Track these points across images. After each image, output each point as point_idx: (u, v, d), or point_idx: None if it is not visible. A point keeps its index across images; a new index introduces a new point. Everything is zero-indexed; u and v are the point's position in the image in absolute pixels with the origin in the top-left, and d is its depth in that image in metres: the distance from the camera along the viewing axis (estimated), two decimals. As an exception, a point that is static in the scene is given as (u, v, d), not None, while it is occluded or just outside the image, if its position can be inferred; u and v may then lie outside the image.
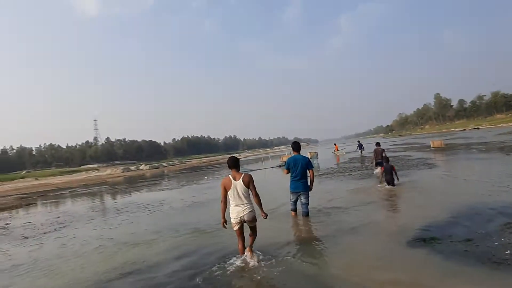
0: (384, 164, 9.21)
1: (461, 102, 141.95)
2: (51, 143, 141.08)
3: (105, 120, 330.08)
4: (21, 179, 59.41)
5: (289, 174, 6.48)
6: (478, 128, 79.68)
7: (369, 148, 28.33)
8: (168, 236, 6.47)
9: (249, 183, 4.26)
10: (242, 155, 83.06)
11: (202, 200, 11.07)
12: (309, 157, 8.36)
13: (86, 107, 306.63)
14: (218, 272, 4.13)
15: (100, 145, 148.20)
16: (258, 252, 4.57)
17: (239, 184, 4.24)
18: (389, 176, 8.85)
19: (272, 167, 24.68)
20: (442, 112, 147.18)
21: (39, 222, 10.30)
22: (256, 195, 4.33)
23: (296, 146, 6.54)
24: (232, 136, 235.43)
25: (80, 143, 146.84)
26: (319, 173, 14.76)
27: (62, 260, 5.67)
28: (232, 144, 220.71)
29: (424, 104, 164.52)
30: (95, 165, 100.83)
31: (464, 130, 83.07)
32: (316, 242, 5.03)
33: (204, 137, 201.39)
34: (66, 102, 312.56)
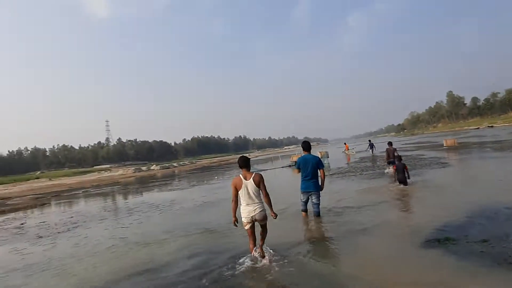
0: (396, 162, 9.08)
1: (475, 99, 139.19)
2: (64, 144, 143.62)
3: (116, 120, 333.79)
4: (35, 180, 60.62)
5: (300, 174, 6.45)
6: (492, 126, 78.09)
7: (380, 148, 28.03)
8: (179, 235, 6.50)
9: (259, 182, 4.27)
10: (252, 155, 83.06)
11: (212, 200, 11.10)
12: (320, 157, 8.28)
13: (97, 108, 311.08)
14: (229, 272, 4.12)
15: (112, 145, 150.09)
16: (269, 249, 4.56)
17: (250, 184, 4.25)
18: (402, 174, 8.72)
19: (282, 167, 24.61)
20: (455, 110, 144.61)
21: (53, 222, 10.48)
22: (267, 195, 4.33)
23: (306, 145, 6.49)
24: (242, 136, 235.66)
25: (93, 144, 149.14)
26: (330, 173, 14.66)
27: (75, 259, 5.75)
28: (242, 144, 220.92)
29: (437, 102, 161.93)
30: (107, 166, 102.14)
31: (478, 128, 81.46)
32: (328, 242, 4.99)
33: (214, 137, 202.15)
34: (78, 102, 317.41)
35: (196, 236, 6.33)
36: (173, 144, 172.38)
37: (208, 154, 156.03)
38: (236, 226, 4.42)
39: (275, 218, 4.38)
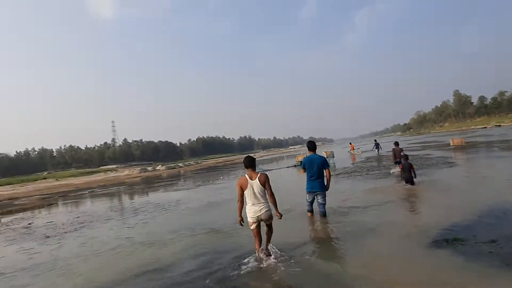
0: (402, 161, 9.00)
1: (482, 98, 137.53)
2: (70, 145, 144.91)
3: (122, 121, 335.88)
4: (42, 180, 61.27)
5: (305, 174, 6.42)
6: (499, 126, 77.09)
7: (386, 147, 27.89)
8: (184, 235, 6.51)
9: (265, 182, 4.28)
10: (257, 155, 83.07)
11: (218, 200, 11.11)
12: (325, 157, 8.24)
13: (103, 109, 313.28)
14: (234, 272, 4.11)
15: (118, 146, 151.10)
16: (276, 248, 4.56)
17: (255, 184, 4.26)
18: (408, 174, 8.64)
19: (287, 167, 24.58)
20: (461, 109, 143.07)
21: (60, 221, 10.57)
22: (272, 195, 4.34)
23: (311, 145, 6.45)
24: (247, 136, 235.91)
25: (99, 145, 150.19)
26: (336, 173, 14.60)
27: (81, 259, 5.78)
28: (247, 144, 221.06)
29: (443, 101, 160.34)
30: (114, 166, 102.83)
31: (485, 127, 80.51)
32: (334, 242, 4.96)
33: (219, 137, 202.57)
34: (85, 103, 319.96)
35: (201, 236, 6.33)
36: (178, 144, 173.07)
37: (213, 154, 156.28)
38: (242, 225, 4.44)
39: (280, 218, 4.38)
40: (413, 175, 8.64)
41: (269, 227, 4.54)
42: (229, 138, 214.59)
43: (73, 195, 23.19)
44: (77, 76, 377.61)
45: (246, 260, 4.41)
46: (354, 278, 3.58)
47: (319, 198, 6.27)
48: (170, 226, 7.60)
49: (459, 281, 3.21)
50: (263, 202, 4.30)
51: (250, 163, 4.42)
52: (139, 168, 63.25)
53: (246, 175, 4.38)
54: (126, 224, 8.75)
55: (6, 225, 11.22)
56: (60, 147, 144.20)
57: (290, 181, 15.35)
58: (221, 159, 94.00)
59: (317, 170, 6.18)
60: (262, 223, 4.46)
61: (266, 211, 4.29)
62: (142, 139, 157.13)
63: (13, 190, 40.28)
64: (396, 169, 11.43)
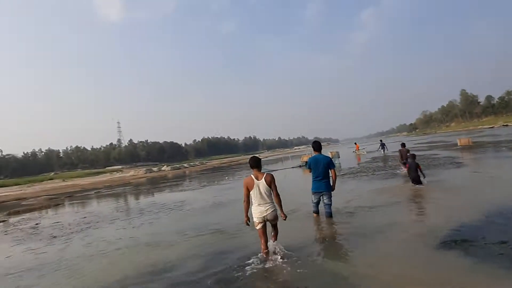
0: (409, 160, 8.92)
1: (489, 98, 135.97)
2: (77, 145, 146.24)
3: (127, 121, 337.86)
4: (49, 181, 61.80)
5: (310, 174, 6.38)
6: (507, 125, 76.24)
7: (392, 148, 27.71)
8: (189, 236, 6.50)
9: (271, 182, 4.29)
10: (262, 156, 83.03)
11: (223, 200, 11.11)
12: (331, 157, 8.20)
13: (108, 109, 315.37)
14: (240, 272, 4.08)
15: (124, 147, 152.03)
16: (281, 246, 4.56)
17: (261, 184, 4.26)
18: (415, 173, 8.56)
19: (292, 167, 24.52)
20: (468, 109, 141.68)
21: (66, 222, 10.63)
22: (277, 195, 4.35)
23: (316, 145, 6.42)
24: (252, 136, 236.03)
25: (104, 145, 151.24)
26: (341, 173, 14.52)
27: (87, 259, 5.80)
28: (251, 144, 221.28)
29: (449, 101, 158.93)
30: (119, 167, 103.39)
31: (492, 127, 79.64)
32: (341, 243, 4.92)
33: (224, 137, 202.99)
34: (91, 103, 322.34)
35: (206, 236, 6.32)
36: (183, 145, 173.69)
37: (218, 154, 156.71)
38: (248, 225, 4.45)
39: (285, 219, 4.38)
40: (420, 174, 8.55)
41: (275, 227, 4.56)
42: (234, 139, 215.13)
43: (79, 196, 23.34)
44: (79, 77, 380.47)
45: (251, 260, 4.38)
46: (362, 278, 3.55)
47: (325, 198, 6.23)
48: (175, 227, 7.60)
49: (468, 283, 3.16)
50: (269, 202, 4.30)
51: (256, 164, 4.43)
52: (144, 169, 63.50)
53: (252, 175, 4.37)
54: (132, 224, 8.76)
55: (14, 225, 11.31)
56: (67, 147, 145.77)
57: (295, 182, 15.30)
58: (225, 160, 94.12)
59: (322, 171, 6.14)
60: (268, 223, 4.45)
61: (272, 211, 4.30)
62: (147, 140, 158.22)
63: (21, 190, 40.64)
64: (403, 170, 11.35)
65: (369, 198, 8.11)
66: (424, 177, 8.70)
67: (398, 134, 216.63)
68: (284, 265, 4.11)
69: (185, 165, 70.94)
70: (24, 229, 10.10)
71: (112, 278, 4.60)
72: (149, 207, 11.62)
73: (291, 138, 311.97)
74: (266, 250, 4.39)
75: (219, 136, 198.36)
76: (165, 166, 69.46)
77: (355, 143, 36.87)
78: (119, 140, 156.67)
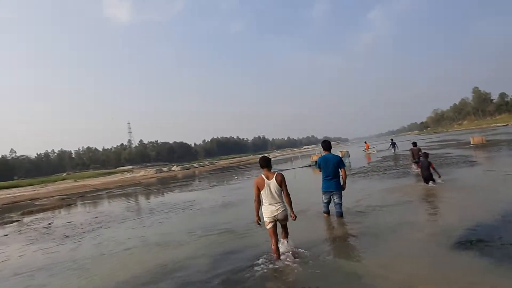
0: (421, 159, 8.76)
1: (503, 95, 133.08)
2: (88, 146, 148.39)
3: (138, 122, 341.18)
4: (62, 181, 62.84)
5: (320, 173, 6.32)
6: (522, 123, 74.59)
7: (403, 147, 27.36)
8: (199, 236, 6.50)
9: (281, 182, 4.29)
10: (271, 155, 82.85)
11: (233, 200, 11.10)
12: (341, 156, 8.12)
13: (120, 110, 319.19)
14: (248, 272, 4.06)
15: (134, 147, 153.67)
16: (292, 244, 4.56)
17: (272, 183, 4.25)
18: (427, 172, 8.41)
19: (302, 167, 24.41)
20: (481, 106, 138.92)
21: (78, 221, 10.76)
22: (288, 195, 4.34)
23: (326, 145, 6.35)
24: (261, 136, 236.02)
25: (115, 146, 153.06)
26: (352, 172, 14.39)
27: (98, 259, 5.85)
28: (261, 144, 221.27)
29: (462, 98, 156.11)
30: (130, 167, 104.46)
31: (506, 125, 77.99)
32: (352, 242, 4.85)
33: (233, 137, 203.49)
34: (102, 105, 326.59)
35: (216, 236, 6.32)
36: (193, 145, 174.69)
37: (227, 154, 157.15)
38: (259, 225, 4.44)
39: (294, 219, 4.36)
40: (433, 172, 8.41)
41: (285, 228, 4.55)
42: (243, 139, 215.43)
43: (91, 196, 23.64)
44: (90, 78, 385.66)
45: (260, 260, 4.36)
46: (374, 277, 3.48)
47: (335, 198, 6.17)
48: (185, 226, 7.62)
49: (484, 284, 3.06)
50: (279, 202, 4.29)
51: (266, 163, 4.42)
52: (154, 169, 64.03)
53: (262, 175, 4.36)
54: (142, 224, 8.83)
55: (28, 225, 11.51)
56: (78, 148, 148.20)
57: (305, 181, 15.23)
58: (235, 160, 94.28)
59: (332, 170, 6.07)
60: (278, 224, 4.43)
61: (282, 211, 4.28)
62: (157, 140, 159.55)
63: (34, 191, 41.39)
64: (415, 169, 11.19)
65: (380, 197, 8.00)
66: (440, 176, 8.55)
67: (409, 132, 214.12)
68: (295, 265, 4.08)
69: (195, 165, 71.31)
70: (38, 229, 10.26)
71: (121, 277, 4.63)
72: (159, 207, 11.69)
73: (300, 137, 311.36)
74: (276, 250, 4.36)
75: (228, 136, 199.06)
76: (175, 166, 69.93)
77: (365, 142, 36.46)
78: (129, 141, 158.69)
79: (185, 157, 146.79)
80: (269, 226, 4.33)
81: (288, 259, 4.22)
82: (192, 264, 4.78)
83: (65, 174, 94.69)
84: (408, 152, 12.70)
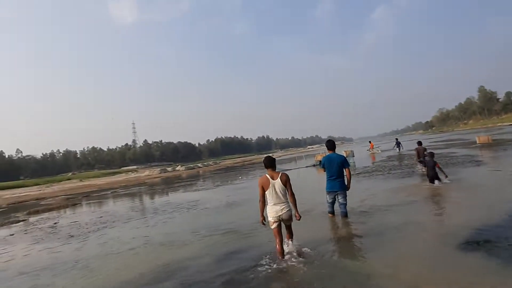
0: (426, 158, 8.69)
1: (509, 94, 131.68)
2: (93, 146, 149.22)
3: (142, 122, 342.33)
4: (67, 181, 63.16)
5: (325, 173, 6.30)
6: (529, 122, 73.78)
7: (407, 146, 27.19)
8: (203, 236, 6.50)
9: (286, 181, 4.29)
10: (275, 155, 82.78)
11: (237, 200, 11.10)
12: (345, 156, 8.08)
13: (123, 110, 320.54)
14: (253, 272, 4.05)
15: (139, 147, 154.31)
16: (298, 245, 4.55)
17: (277, 183, 4.25)
18: (432, 172, 8.35)
19: (306, 166, 24.35)
20: (487, 106, 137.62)
21: (83, 221, 10.81)
22: (292, 195, 4.34)
23: (330, 144, 6.32)
24: (265, 136, 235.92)
25: (120, 146, 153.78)
26: (356, 172, 14.31)
27: (102, 259, 5.87)
28: (265, 144, 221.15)
29: (467, 97, 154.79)
30: (134, 167, 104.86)
31: (512, 124, 77.30)
32: (358, 243, 4.82)
33: (237, 137, 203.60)
34: (102, 105, 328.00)
35: (220, 236, 6.31)
36: (197, 145, 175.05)
37: (231, 154, 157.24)
38: (264, 225, 4.42)
39: (299, 220, 4.35)
40: (439, 172, 8.34)
41: (289, 229, 4.54)
42: (247, 139, 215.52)
43: (96, 195, 23.76)
44: (93, 79, 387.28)
45: (264, 260, 4.35)
46: (380, 277, 3.46)
47: (339, 198, 6.14)
48: (189, 226, 7.63)
49: (492, 284, 3.02)
50: (284, 202, 4.28)
51: (271, 163, 4.42)
52: (159, 169, 64.21)
53: (267, 174, 4.35)
54: (146, 224, 8.85)
55: (33, 225, 11.58)
56: (83, 148, 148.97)
57: (310, 181, 15.18)
58: (239, 159, 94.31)
59: (337, 170, 6.05)
60: (282, 224, 4.41)
61: (287, 210, 4.27)
62: (161, 140, 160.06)
63: (40, 190, 41.67)
64: (420, 169, 11.11)
65: (384, 197, 7.96)
66: (446, 176, 8.48)
67: (414, 132, 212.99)
68: (300, 265, 4.06)
69: (199, 165, 71.42)
70: (43, 228, 10.33)
71: (126, 277, 4.64)
72: (163, 207, 11.72)
73: (305, 137, 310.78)
74: (281, 250, 4.34)
75: (232, 136, 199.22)
76: (179, 166, 70.09)
77: (370, 142, 36.31)
78: (134, 141, 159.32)
79: (189, 157, 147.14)
80: (274, 226, 4.32)
81: (293, 259, 4.21)
82: (196, 264, 4.78)
83: (70, 174, 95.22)
84: (413, 152, 12.60)
